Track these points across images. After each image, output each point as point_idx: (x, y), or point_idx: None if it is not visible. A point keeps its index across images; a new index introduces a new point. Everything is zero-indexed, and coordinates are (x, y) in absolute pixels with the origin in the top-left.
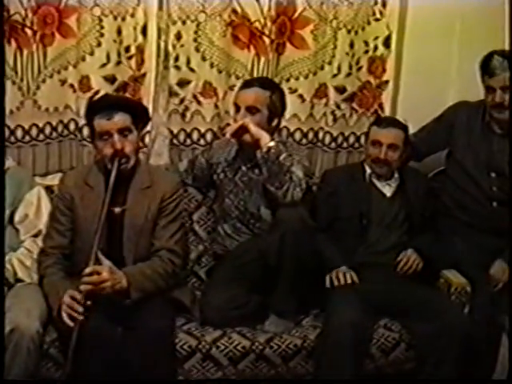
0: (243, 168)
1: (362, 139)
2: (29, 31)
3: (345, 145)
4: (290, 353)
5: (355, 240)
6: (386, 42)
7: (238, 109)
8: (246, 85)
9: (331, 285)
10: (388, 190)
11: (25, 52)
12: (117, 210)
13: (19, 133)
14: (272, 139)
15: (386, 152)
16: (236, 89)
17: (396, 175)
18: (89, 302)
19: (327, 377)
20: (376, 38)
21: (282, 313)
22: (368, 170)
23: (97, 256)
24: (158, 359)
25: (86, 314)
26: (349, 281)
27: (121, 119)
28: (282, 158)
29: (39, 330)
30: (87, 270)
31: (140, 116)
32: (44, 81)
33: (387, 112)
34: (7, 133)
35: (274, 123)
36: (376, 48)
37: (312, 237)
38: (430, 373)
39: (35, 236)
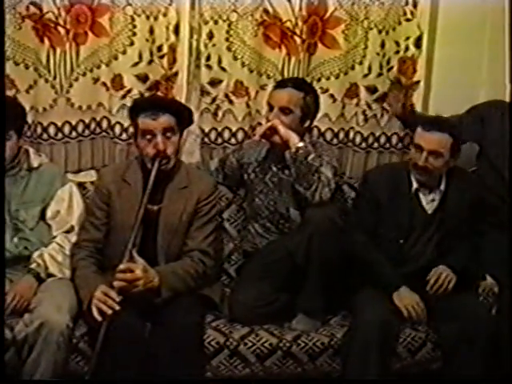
0: (273, 168)
1: (393, 140)
2: (62, 30)
3: (375, 145)
4: (316, 351)
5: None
6: (417, 43)
7: (271, 108)
8: (280, 85)
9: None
10: (430, 207)
11: (58, 50)
12: (153, 207)
13: (52, 130)
14: (301, 140)
15: (427, 158)
16: (268, 88)
17: (442, 187)
18: (120, 298)
19: (353, 375)
20: (407, 38)
21: (309, 311)
22: (414, 185)
23: (131, 253)
24: (186, 355)
25: (117, 310)
26: (422, 312)
27: (166, 120)
28: (310, 158)
29: (69, 325)
30: (121, 267)
31: (184, 119)
32: (77, 79)
33: None
34: (40, 130)
35: (306, 124)
36: (407, 48)
37: (340, 236)
38: (456, 372)
39: (67, 232)
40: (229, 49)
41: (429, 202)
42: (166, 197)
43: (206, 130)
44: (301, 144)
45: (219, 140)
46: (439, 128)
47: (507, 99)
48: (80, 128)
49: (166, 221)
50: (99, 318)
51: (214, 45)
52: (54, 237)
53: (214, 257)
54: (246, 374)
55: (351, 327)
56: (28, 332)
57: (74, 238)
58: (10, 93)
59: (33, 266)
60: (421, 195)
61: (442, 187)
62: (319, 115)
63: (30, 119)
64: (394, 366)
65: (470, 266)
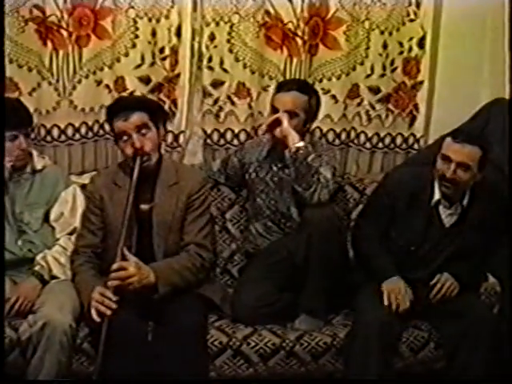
0: (274, 168)
1: (398, 140)
2: (64, 32)
3: (380, 145)
4: (319, 350)
5: (397, 260)
6: (421, 43)
7: (275, 111)
8: (284, 87)
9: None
10: (448, 221)
11: (60, 53)
12: (145, 207)
13: (55, 132)
14: (301, 140)
15: (455, 170)
16: (270, 89)
17: (464, 202)
18: (117, 298)
19: (355, 375)
20: (410, 38)
21: (311, 311)
22: (436, 196)
23: (123, 252)
24: (189, 355)
25: (115, 309)
26: (400, 302)
27: (137, 118)
28: (310, 158)
29: (72, 324)
30: (114, 266)
31: (157, 113)
32: (80, 81)
33: (422, 112)
34: (43, 132)
35: (308, 126)
36: (411, 49)
37: (339, 237)
38: (458, 372)
39: (70, 234)
40: (230, 50)
41: (448, 215)
42: (156, 195)
43: (209, 132)
44: (301, 144)
45: (221, 141)
46: (470, 140)
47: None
48: (83, 130)
49: (159, 219)
50: (98, 319)
51: (215, 46)
52: (58, 239)
53: (211, 249)
54: (249, 373)
55: (353, 327)
56: (32, 332)
57: None
58: (13, 95)
59: (36, 268)
60: (441, 208)
61: (465, 202)
62: (321, 116)
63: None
64: (396, 365)
65: (476, 275)
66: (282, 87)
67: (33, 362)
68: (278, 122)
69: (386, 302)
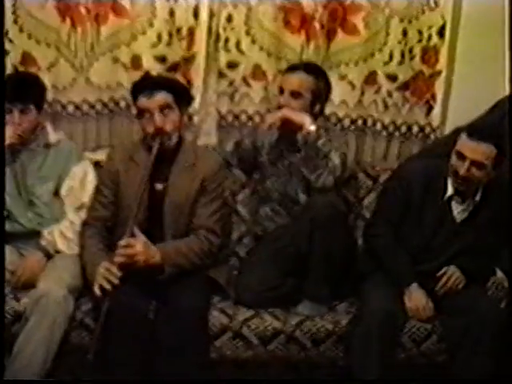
0: (284, 151)
1: (415, 129)
2: (83, 9)
3: (397, 134)
4: (320, 336)
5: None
6: (441, 32)
7: (282, 92)
8: (291, 68)
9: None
10: (460, 217)
11: (79, 30)
12: (159, 186)
13: (71, 108)
14: (314, 123)
15: (469, 168)
16: None
17: (477, 197)
18: (121, 274)
19: (355, 363)
20: (430, 27)
21: (315, 297)
22: (449, 191)
23: (132, 230)
24: (190, 335)
25: (119, 286)
26: (428, 314)
27: (161, 97)
28: (320, 142)
29: (66, 296)
30: (122, 243)
31: (181, 95)
32: (97, 58)
33: (439, 102)
34: (59, 107)
35: (317, 109)
36: (430, 37)
37: (343, 223)
38: (460, 366)
39: (79, 209)
40: (248, 32)
41: (460, 211)
42: (171, 175)
43: (223, 113)
44: (313, 127)
45: (236, 123)
46: (485, 138)
47: None
48: (99, 107)
49: (172, 199)
50: (99, 293)
51: (232, 28)
52: (67, 214)
53: (220, 235)
54: (248, 356)
55: (356, 315)
56: (26, 305)
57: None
58: (31, 70)
59: (43, 242)
60: (453, 203)
61: (477, 198)
62: (337, 102)
63: (50, 97)
64: (398, 355)
65: (483, 269)
66: (289, 69)
67: (23, 333)
68: (284, 120)
69: (410, 315)
